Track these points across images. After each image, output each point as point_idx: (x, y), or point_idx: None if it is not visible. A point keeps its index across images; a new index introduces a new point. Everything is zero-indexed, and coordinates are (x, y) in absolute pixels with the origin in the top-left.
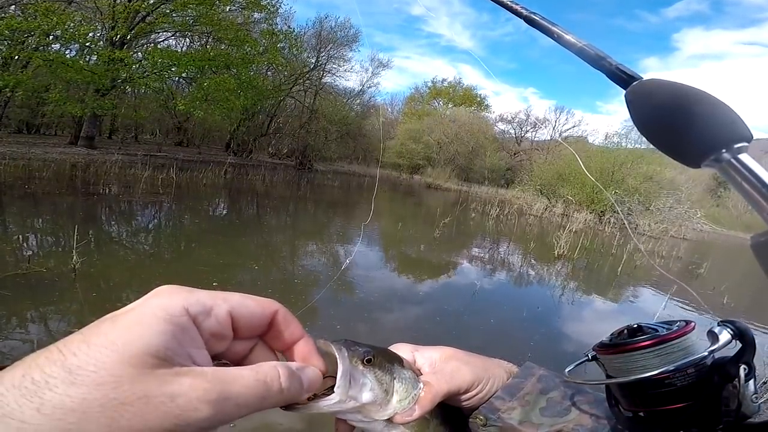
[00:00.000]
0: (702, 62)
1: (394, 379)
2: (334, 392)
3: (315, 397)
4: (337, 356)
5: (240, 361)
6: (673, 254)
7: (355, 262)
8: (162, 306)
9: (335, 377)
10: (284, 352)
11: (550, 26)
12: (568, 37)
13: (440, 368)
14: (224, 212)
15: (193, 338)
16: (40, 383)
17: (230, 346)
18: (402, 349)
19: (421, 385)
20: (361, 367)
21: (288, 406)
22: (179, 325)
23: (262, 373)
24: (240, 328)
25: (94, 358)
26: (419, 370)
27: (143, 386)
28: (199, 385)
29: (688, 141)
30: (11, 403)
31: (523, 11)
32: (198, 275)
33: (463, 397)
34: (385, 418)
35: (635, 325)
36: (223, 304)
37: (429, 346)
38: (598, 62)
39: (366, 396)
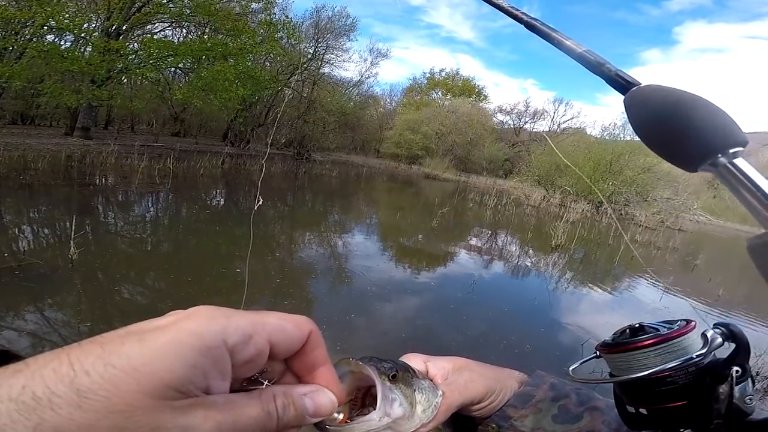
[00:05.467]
0: (703, 55)
1: (415, 390)
2: (372, 412)
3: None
4: (375, 379)
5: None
6: (669, 245)
7: (355, 252)
8: (198, 334)
9: (353, 393)
10: (302, 375)
11: (550, 32)
12: (568, 43)
13: (453, 379)
14: (222, 202)
15: (222, 371)
16: (42, 400)
17: None
18: (414, 360)
19: (441, 392)
20: (388, 383)
21: (321, 428)
22: (212, 357)
23: (266, 403)
24: (277, 353)
25: (108, 382)
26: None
27: (157, 417)
28: (212, 417)
29: (685, 146)
30: (3, 417)
31: (524, 17)
32: (197, 266)
33: (475, 407)
34: (412, 429)
35: (637, 325)
36: (263, 331)
37: (441, 357)
38: (598, 68)
39: (397, 411)
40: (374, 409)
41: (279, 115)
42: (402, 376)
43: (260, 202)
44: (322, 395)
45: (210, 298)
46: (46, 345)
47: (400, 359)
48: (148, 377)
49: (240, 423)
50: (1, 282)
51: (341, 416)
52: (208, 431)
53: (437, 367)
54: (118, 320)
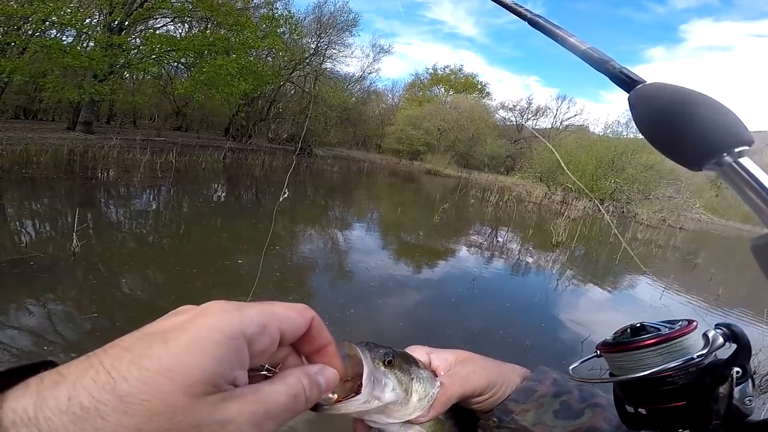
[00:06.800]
0: (708, 54)
1: (413, 379)
2: (359, 394)
3: (341, 399)
4: (362, 358)
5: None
6: (670, 244)
7: (356, 247)
8: (218, 328)
9: (354, 380)
10: (311, 356)
11: (554, 29)
12: (571, 40)
13: (455, 371)
14: (223, 196)
15: (243, 361)
16: (90, 410)
17: None
18: (417, 351)
19: (438, 384)
20: (382, 368)
21: (315, 407)
22: (235, 348)
23: (292, 387)
24: (283, 341)
25: (147, 385)
26: (434, 373)
27: (197, 415)
28: (246, 409)
29: (690, 144)
30: (60, 430)
31: (528, 14)
32: (199, 260)
33: (477, 399)
34: (407, 417)
35: (638, 324)
36: (274, 320)
37: (444, 349)
38: (602, 65)
39: (388, 396)
40: None
41: (282, 110)
42: (398, 363)
43: (286, 195)
44: (329, 371)
45: (213, 290)
46: (48, 340)
47: (405, 350)
48: (181, 376)
49: (271, 410)
50: (3, 274)
51: (335, 396)
52: (243, 423)
53: (440, 358)
54: (120, 313)
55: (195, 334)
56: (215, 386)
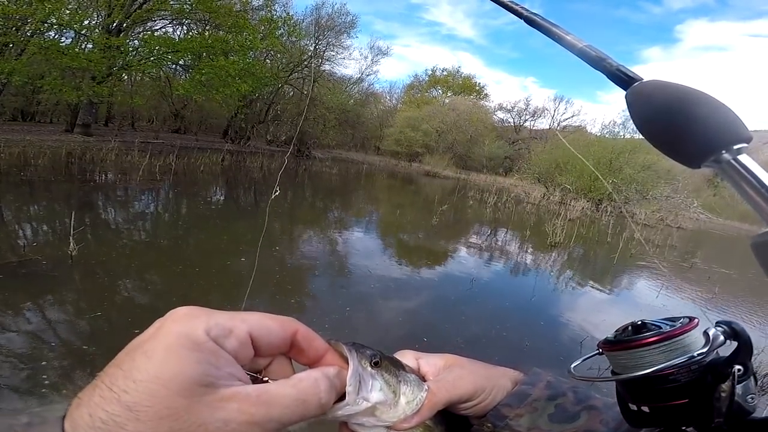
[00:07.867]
0: (705, 54)
1: (400, 381)
2: (345, 396)
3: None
4: (348, 357)
5: (259, 374)
6: (667, 243)
7: (354, 249)
8: (184, 334)
9: None
10: (310, 366)
11: (550, 27)
12: (568, 38)
13: (442, 376)
14: (222, 198)
15: (226, 359)
16: (109, 423)
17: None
18: (406, 356)
19: (426, 387)
20: (369, 368)
21: None
22: (207, 350)
23: (303, 392)
24: (261, 347)
25: (146, 394)
26: (423, 378)
27: (198, 415)
28: (246, 410)
29: (688, 142)
30: None
31: (524, 12)
32: (198, 261)
33: (465, 405)
34: (396, 419)
35: (639, 322)
36: (242, 325)
37: (433, 354)
38: (599, 63)
39: (376, 396)
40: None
41: (280, 112)
42: (385, 364)
43: (278, 192)
44: (343, 374)
45: (214, 291)
46: (46, 342)
47: (392, 355)
48: (171, 382)
49: (273, 414)
50: (1, 277)
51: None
52: (244, 423)
53: (429, 363)
54: (118, 315)
55: (166, 343)
56: (207, 385)
